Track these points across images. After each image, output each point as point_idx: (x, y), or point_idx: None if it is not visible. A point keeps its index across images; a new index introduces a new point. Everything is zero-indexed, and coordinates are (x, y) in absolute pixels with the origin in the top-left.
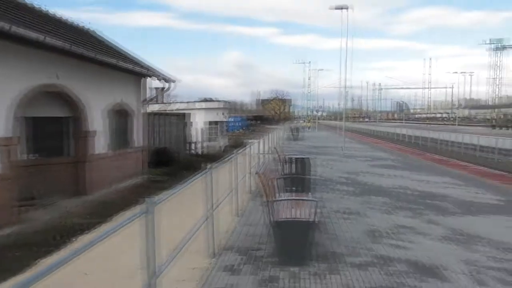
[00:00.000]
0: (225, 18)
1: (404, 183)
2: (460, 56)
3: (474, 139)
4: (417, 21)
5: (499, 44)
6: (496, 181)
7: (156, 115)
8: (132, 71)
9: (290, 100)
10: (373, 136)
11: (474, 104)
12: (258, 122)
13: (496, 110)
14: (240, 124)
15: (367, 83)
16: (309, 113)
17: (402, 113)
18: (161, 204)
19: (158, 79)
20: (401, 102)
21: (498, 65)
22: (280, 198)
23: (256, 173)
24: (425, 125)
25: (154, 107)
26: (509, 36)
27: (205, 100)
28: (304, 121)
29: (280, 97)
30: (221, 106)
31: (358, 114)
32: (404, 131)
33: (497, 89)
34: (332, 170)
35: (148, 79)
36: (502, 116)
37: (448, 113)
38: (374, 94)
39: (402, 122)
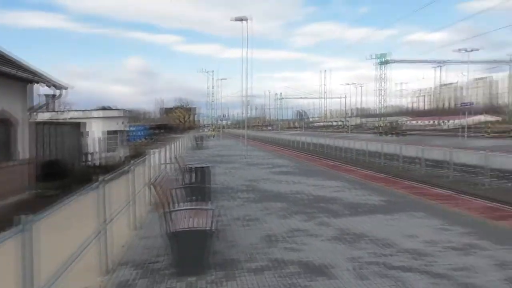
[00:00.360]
0: (125, 23)
1: (300, 189)
2: (353, 68)
3: (363, 145)
4: (313, 34)
5: (383, 59)
6: (380, 184)
7: (47, 125)
8: (15, 76)
9: (194, 109)
10: (275, 144)
11: (364, 113)
12: (162, 131)
13: (382, 118)
14: (142, 134)
15: (269, 92)
16: (213, 121)
17: (302, 121)
18: (43, 220)
19: (47, 85)
20: (301, 111)
21: (383, 77)
22: (177, 208)
23: (151, 183)
24: (322, 132)
25: (44, 116)
26: (392, 50)
27: (103, 109)
28: (209, 129)
29: (184, 106)
30: (121, 114)
31: (261, 123)
32: (303, 138)
33: (382, 99)
34: (234, 178)
35: (38, 85)
36: (388, 124)
37: (342, 121)
38: (276, 103)
39: (302, 130)
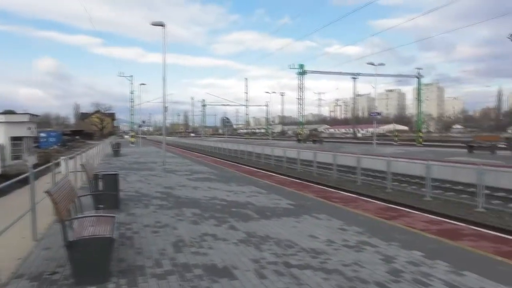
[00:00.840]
0: (35, 22)
1: (215, 195)
2: (275, 77)
3: (282, 152)
4: (237, 42)
5: (301, 69)
6: (292, 188)
7: None
8: None
9: (114, 114)
10: (197, 151)
11: (287, 121)
12: (77, 137)
13: (301, 126)
14: (54, 140)
15: (192, 99)
16: (133, 128)
17: (226, 128)
18: None
19: None
20: (225, 118)
21: (301, 87)
22: (77, 217)
23: (47, 192)
24: (245, 139)
25: None
26: (312, 61)
27: (6, 113)
28: (130, 136)
29: (102, 111)
30: (27, 119)
31: (185, 129)
32: (224, 145)
33: (301, 108)
34: (149, 186)
35: None
36: (307, 132)
37: (265, 128)
38: (200, 110)
39: (225, 137)
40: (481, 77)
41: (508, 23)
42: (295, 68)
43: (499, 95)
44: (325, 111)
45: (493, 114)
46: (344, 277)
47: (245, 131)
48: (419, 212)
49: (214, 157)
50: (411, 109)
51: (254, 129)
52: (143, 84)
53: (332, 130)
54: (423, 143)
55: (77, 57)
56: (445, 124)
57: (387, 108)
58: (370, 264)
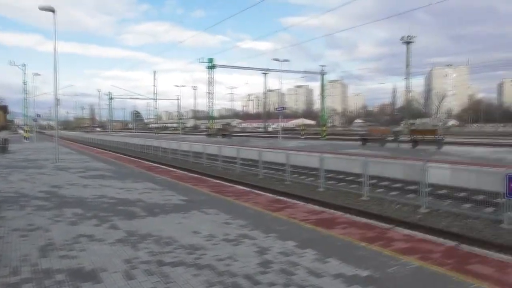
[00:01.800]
0: None
1: (105, 192)
2: (189, 70)
3: (188, 147)
4: (148, 33)
5: (211, 63)
6: (189, 183)
7: None
8: None
9: (6, 107)
10: (101, 147)
11: (200, 115)
12: None
13: (212, 120)
14: None
15: (99, 91)
16: (28, 122)
17: (136, 123)
18: None
19: None
20: (135, 112)
21: (210, 81)
22: None
23: None
24: (154, 134)
25: None
26: (224, 55)
27: None
28: (24, 131)
29: None
30: None
31: (91, 123)
32: (130, 140)
33: (211, 102)
34: (34, 185)
35: None
36: (217, 126)
37: (177, 123)
38: (108, 103)
39: (134, 132)
40: (380, 75)
41: (403, 24)
42: (205, 62)
43: (394, 92)
44: (238, 106)
45: (388, 109)
46: (215, 272)
47: (156, 125)
48: (305, 203)
49: (118, 153)
50: (318, 104)
51: (166, 123)
52: (37, 74)
53: (244, 125)
54: (326, 136)
55: None
56: (348, 119)
57: (296, 103)
58: (244, 257)
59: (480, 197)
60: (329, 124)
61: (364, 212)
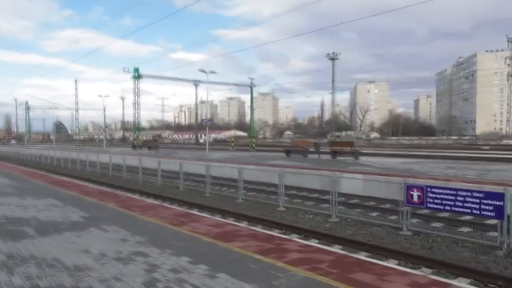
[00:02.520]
0: None
1: (3, 211)
2: (117, 80)
3: (107, 159)
4: (72, 40)
5: (136, 73)
6: (96, 199)
7: None
8: None
9: None
10: (11, 161)
11: (128, 126)
12: None
13: (138, 132)
14: None
15: (15, 100)
16: None
17: (59, 134)
18: None
19: None
20: (58, 123)
21: (136, 91)
22: None
23: None
24: (75, 146)
25: None
26: (155, 65)
27: None
28: None
29: None
30: None
31: (5, 135)
32: (46, 153)
33: (136, 113)
34: None
35: None
36: (146, 138)
37: (103, 134)
38: (25, 114)
39: (53, 144)
40: (309, 88)
41: (330, 41)
42: (130, 72)
43: (322, 105)
44: (170, 117)
45: (317, 122)
46: None
47: (81, 137)
48: (218, 216)
49: (30, 166)
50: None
51: (92, 135)
52: None
53: (176, 136)
54: (255, 148)
55: None
56: (279, 131)
57: (228, 115)
58: (130, 277)
59: (387, 205)
60: (260, 136)
61: (277, 223)
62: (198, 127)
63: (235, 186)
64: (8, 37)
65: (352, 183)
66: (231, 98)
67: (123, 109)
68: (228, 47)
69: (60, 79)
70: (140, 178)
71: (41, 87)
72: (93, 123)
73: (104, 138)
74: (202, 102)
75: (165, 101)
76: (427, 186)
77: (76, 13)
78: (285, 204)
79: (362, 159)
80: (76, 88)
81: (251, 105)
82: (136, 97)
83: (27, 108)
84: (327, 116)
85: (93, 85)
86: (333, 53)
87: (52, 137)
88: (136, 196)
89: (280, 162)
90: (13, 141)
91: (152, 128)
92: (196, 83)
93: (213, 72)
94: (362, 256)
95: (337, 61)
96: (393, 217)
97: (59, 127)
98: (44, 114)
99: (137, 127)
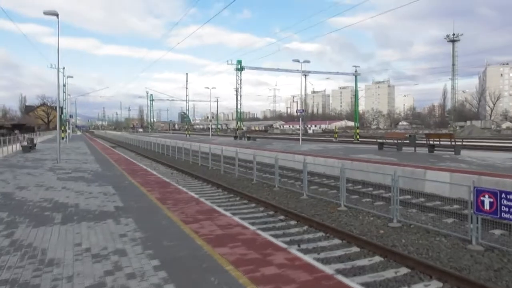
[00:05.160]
0: None
1: (55, 196)
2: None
3: (197, 148)
4: (196, 36)
5: (239, 65)
6: (147, 188)
7: None
8: None
9: (61, 108)
10: (128, 147)
11: (246, 117)
12: (16, 131)
13: (240, 123)
14: None
15: (147, 93)
16: (64, 122)
17: (183, 123)
18: None
19: None
20: (182, 113)
21: (238, 82)
22: None
23: None
24: (186, 135)
25: None
26: (271, 56)
27: None
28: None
29: (49, 104)
30: None
31: (140, 124)
32: (156, 140)
33: (238, 103)
34: (3, 186)
35: None
36: (261, 128)
37: (221, 124)
38: (150, 105)
39: (170, 133)
40: (432, 75)
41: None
42: (233, 64)
43: (444, 93)
44: (283, 107)
45: (438, 111)
46: None
47: (200, 126)
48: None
49: (137, 153)
50: (363, 105)
51: (210, 124)
52: (70, 76)
53: (286, 126)
54: (359, 139)
55: (25, 46)
56: (393, 121)
57: (341, 105)
58: (84, 278)
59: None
60: (373, 127)
61: (334, 230)
62: (310, 117)
63: (310, 181)
64: (143, 35)
65: (427, 183)
66: (343, 87)
67: (237, 100)
68: (345, 34)
69: (183, 72)
70: (222, 169)
71: (170, 80)
72: (212, 113)
73: (210, 128)
74: (314, 92)
75: (279, 92)
76: (501, 192)
77: (199, 10)
78: (347, 203)
79: (464, 153)
80: (187, 81)
81: (355, 95)
82: (239, 88)
83: (151, 100)
84: (450, 104)
85: (214, 77)
86: (454, 34)
87: (176, 126)
88: (206, 187)
89: (366, 156)
90: (140, 129)
91: (265, 118)
92: (306, 73)
93: (307, 61)
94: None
95: (466, 43)
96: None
97: (183, 116)
98: (172, 104)
99: (238, 118)
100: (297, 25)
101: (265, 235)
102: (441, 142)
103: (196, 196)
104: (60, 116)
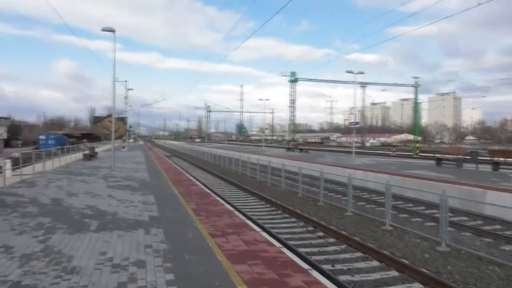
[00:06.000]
0: (54, 26)
1: (99, 203)
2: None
3: (246, 158)
4: (254, 49)
5: (293, 77)
6: (187, 199)
7: None
8: None
9: (125, 118)
10: (183, 156)
11: (301, 128)
12: (84, 140)
13: (293, 134)
14: (53, 142)
15: (206, 104)
16: (126, 132)
17: (240, 134)
18: None
19: None
20: (239, 124)
21: (292, 94)
22: None
23: None
24: (239, 146)
25: None
26: (328, 67)
27: None
28: (123, 140)
29: (116, 115)
30: None
31: (198, 134)
32: (209, 150)
33: (292, 115)
34: (57, 192)
35: None
36: (318, 140)
37: (276, 136)
38: (207, 116)
39: (225, 143)
40: (506, 87)
41: None
42: (287, 76)
43: None
44: (341, 119)
45: (511, 126)
46: None
47: (257, 137)
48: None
49: (190, 162)
50: (426, 118)
51: (266, 136)
52: (130, 89)
53: (343, 139)
54: (419, 154)
55: (96, 61)
56: (459, 135)
57: (401, 117)
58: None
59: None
60: (437, 141)
61: (373, 250)
62: (368, 130)
63: (357, 196)
64: (204, 48)
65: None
66: (405, 99)
67: (291, 111)
68: (409, 44)
69: (243, 85)
70: (268, 180)
71: (228, 92)
72: (269, 124)
73: (263, 140)
74: (373, 104)
75: (336, 103)
76: None
77: (258, 23)
78: (393, 222)
79: None
80: (241, 92)
81: (415, 107)
82: (293, 99)
83: (209, 111)
84: None
85: (271, 89)
86: None
87: (233, 137)
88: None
89: (421, 172)
90: (198, 140)
91: (322, 130)
92: (363, 85)
93: (361, 73)
94: None
95: None
96: None
97: (240, 127)
98: (230, 115)
99: (293, 130)
100: (356, 35)
101: (289, 253)
102: (507, 160)
103: (231, 208)
104: (122, 126)
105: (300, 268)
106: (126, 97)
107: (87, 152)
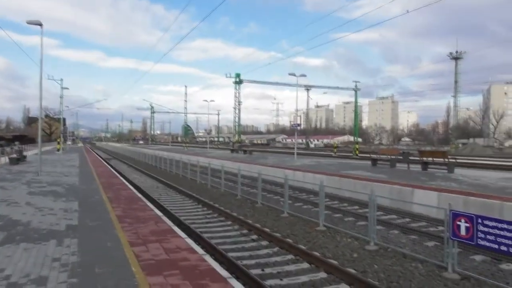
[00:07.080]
0: None
1: (17, 213)
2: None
3: (187, 160)
4: (200, 50)
5: (237, 78)
6: (114, 205)
7: None
8: None
9: (64, 120)
10: (122, 158)
11: (248, 130)
12: (16, 143)
13: (238, 136)
14: None
15: (150, 104)
16: (63, 134)
17: (186, 136)
18: None
19: None
20: (185, 125)
21: (237, 96)
22: None
23: None
24: (183, 148)
25: None
26: (276, 70)
27: None
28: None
29: (52, 116)
30: None
31: (141, 136)
32: (151, 152)
33: (237, 117)
34: None
35: None
36: (264, 141)
37: (223, 137)
38: (151, 117)
39: (169, 145)
40: (438, 92)
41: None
42: (232, 77)
43: (448, 110)
44: (287, 121)
45: (441, 128)
46: None
47: (203, 139)
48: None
49: (128, 165)
50: (367, 121)
51: (212, 137)
52: (66, 88)
53: (289, 140)
54: (358, 155)
55: (30, 58)
56: (396, 137)
57: (344, 120)
58: None
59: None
60: (376, 142)
61: (303, 252)
62: (313, 131)
63: (295, 197)
64: (150, 48)
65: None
66: (347, 103)
67: (239, 113)
68: (353, 49)
69: (190, 86)
70: (209, 183)
71: (174, 93)
72: (215, 126)
73: (207, 141)
74: (317, 106)
75: (282, 105)
76: (478, 216)
77: (205, 24)
78: (326, 223)
79: (458, 171)
80: (186, 93)
81: (355, 110)
82: (237, 101)
83: (153, 112)
84: (454, 121)
85: (219, 91)
86: (456, 51)
87: (179, 138)
88: (187, 201)
89: (357, 172)
90: (141, 142)
91: (268, 132)
92: (308, 88)
93: (303, 75)
94: None
95: (471, 60)
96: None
97: (186, 129)
98: (177, 117)
99: (237, 131)
100: (302, 39)
101: (211, 261)
102: (435, 160)
103: (159, 214)
104: (59, 128)
105: (219, 277)
106: (61, 97)
107: (13, 156)
